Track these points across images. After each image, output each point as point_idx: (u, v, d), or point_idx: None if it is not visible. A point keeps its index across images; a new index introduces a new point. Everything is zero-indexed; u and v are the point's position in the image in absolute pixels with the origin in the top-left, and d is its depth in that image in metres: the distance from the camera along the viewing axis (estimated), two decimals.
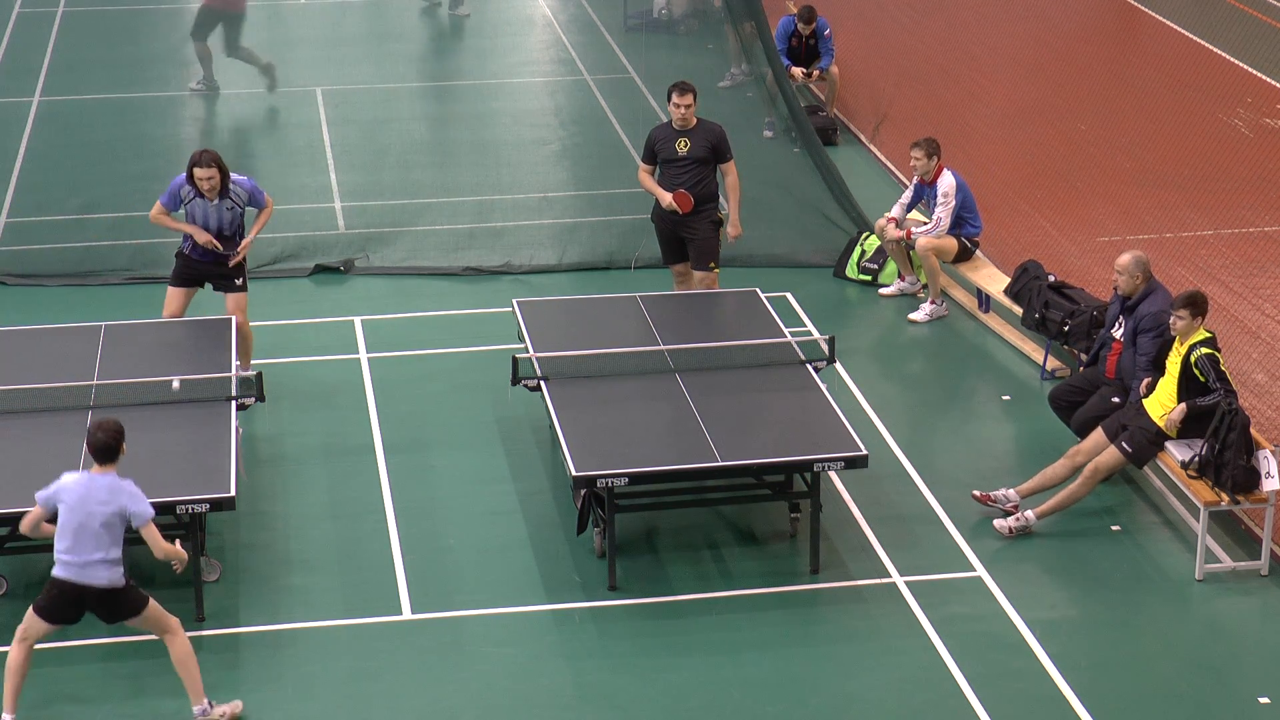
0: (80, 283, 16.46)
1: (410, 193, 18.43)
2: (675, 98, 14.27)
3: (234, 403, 12.19)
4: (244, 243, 13.73)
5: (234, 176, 13.59)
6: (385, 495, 12.81)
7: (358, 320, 15.72)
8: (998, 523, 12.36)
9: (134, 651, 10.91)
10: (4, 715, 10.07)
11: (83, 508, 9.80)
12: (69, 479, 9.92)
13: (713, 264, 14.54)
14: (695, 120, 14.34)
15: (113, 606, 10.01)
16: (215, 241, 13.55)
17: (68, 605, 9.96)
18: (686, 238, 14.53)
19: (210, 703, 10.18)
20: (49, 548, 11.58)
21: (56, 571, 9.92)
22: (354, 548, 12.17)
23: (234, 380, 12.41)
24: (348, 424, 13.83)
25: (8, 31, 23.35)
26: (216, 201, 13.49)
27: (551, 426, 12.45)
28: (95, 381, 12.41)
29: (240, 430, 12.04)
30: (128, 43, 23.03)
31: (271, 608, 11.45)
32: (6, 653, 10.18)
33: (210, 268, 13.79)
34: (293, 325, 15.64)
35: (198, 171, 13.37)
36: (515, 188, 18.55)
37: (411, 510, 12.61)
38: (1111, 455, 12.22)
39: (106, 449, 9.88)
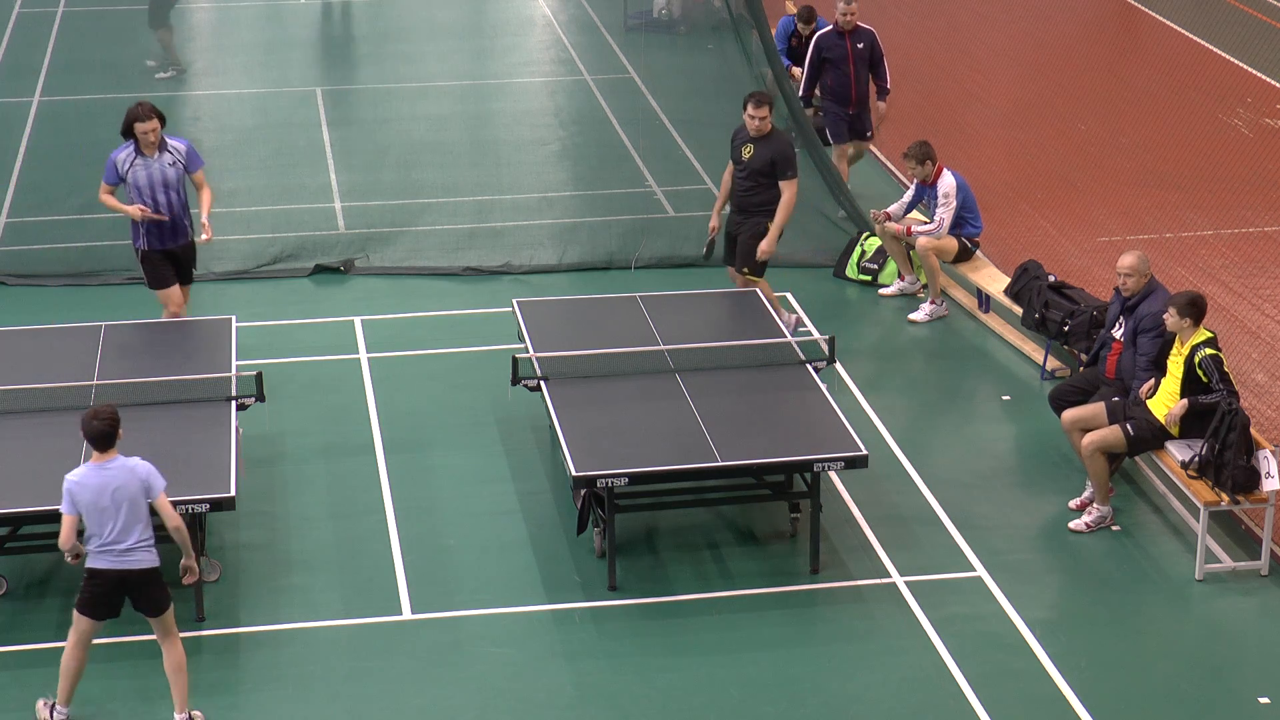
0: (80, 283, 16.46)
1: (410, 193, 18.42)
2: (750, 109, 14.29)
3: (234, 403, 12.20)
4: (205, 224, 13.53)
5: (168, 138, 13.54)
6: (385, 495, 12.81)
7: (358, 320, 15.71)
8: (1073, 524, 12.40)
9: (136, 652, 10.90)
10: (59, 707, 10.17)
11: (106, 495, 9.83)
12: (75, 476, 9.93)
13: (746, 269, 14.62)
14: (770, 129, 14.42)
15: (150, 591, 10.01)
16: (152, 213, 13.37)
17: (111, 593, 9.97)
18: (737, 237, 14.67)
19: (191, 715, 10.18)
20: (50, 547, 11.63)
21: (94, 563, 9.91)
22: (354, 548, 12.16)
23: (234, 380, 12.42)
24: (348, 424, 13.83)
25: (8, 31, 23.35)
26: (158, 157, 13.38)
27: (551, 426, 12.44)
28: (95, 381, 12.41)
29: (240, 430, 12.04)
30: (128, 43, 23.02)
31: (271, 608, 11.45)
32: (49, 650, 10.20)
33: (179, 251, 13.71)
34: (293, 325, 15.64)
35: (139, 126, 13.30)
36: (515, 188, 18.55)
37: (411, 510, 12.61)
38: (1112, 432, 12.21)
39: (106, 436, 9.92)
